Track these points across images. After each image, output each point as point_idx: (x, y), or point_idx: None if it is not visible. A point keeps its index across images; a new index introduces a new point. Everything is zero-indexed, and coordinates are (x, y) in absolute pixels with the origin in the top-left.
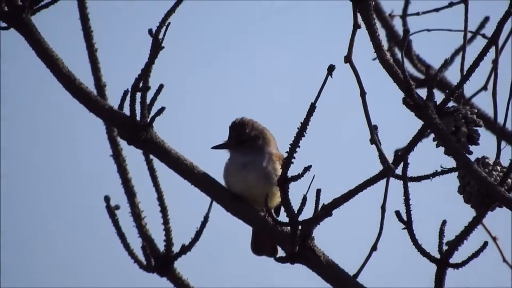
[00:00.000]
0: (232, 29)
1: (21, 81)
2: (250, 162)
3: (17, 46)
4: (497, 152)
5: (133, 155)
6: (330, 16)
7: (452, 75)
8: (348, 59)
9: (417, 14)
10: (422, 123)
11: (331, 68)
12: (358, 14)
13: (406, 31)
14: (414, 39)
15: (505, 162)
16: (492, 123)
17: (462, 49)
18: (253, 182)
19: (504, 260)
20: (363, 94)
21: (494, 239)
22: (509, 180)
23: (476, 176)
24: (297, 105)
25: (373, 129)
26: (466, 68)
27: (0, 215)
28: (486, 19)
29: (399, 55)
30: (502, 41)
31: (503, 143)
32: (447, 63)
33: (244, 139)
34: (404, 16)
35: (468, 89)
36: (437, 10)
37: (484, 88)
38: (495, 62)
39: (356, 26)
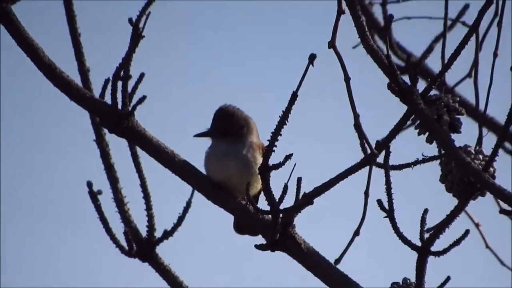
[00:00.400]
0: (212, 16)
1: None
2: (232, 151)
3: None
4: (478, 139)
5: (116, 141)
6: (314, 1)
7: (433, 63)
8: (332, 44)
9: (397, 1)
10: (405, 111)
11: (312, 57)
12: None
13: (390, 17)
14: (394, 27)
15: (486, 149)
16: (473, 111)
17: (442, 36)
18: (233, 170)
19: (487, 246)
20: (347, 79)
21: (477, 225)
22: (491, 169)
23: (461, 162)
24: (279, 92)
25: (357, 115)
26: (446, 55)
27: None
28: (466, 6)
29: (379, 43)
30: (484, 28)
31: (484, 130)
32: (431, 50)
33: (229, 129)
34: (384, 3)
35: (452, 77)
36: None
37: (469, 75)
38: (476, 50)
39: (340, 11)
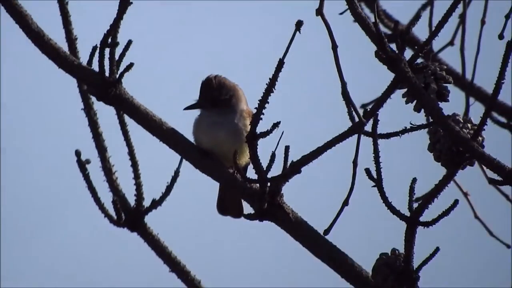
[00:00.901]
0: None
1: None
2: (222, 120)
3: None
4: (465, 108)
5: (104, 110)
6: None
7: (418, 31)
8: (319, 11)
9: None
10: (393, 79)
11: (299, 24)
12: None
13: None
14: None
15: (473, 118)
16: (460, 79)
17: (429, 4)
18: (223, 138)
19: (476, 217)
20: (334, 47)
21: (466, 194)
22: (480, 138)
23: (449, 130)
24: (266, 59)
25: (344, 83)
26: (433, 24)
27: None
28: None
29: (366, 11)
30: None
31: (471, 99)
32: (418, 17)
33: (218, 99)
34: None
35: (435, 44)
36: None
37: (451, 43)
38: (462, 17)
39: None
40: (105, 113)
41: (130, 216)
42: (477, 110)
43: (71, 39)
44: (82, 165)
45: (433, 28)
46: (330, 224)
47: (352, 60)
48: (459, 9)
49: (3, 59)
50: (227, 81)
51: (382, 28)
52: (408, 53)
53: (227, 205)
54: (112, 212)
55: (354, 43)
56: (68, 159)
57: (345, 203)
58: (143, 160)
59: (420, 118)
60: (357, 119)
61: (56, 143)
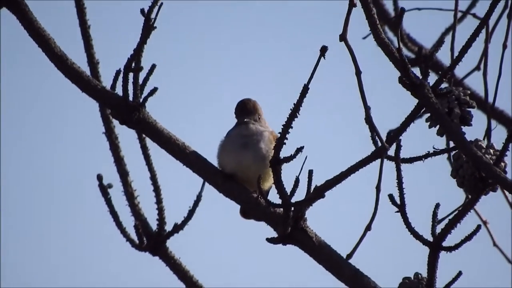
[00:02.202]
0: (224, 7)
1: (12, 59)
2: (251, 142)
3: (8, 25)
4: (486, 132)
5: (126, 133)
6: None
7: (441, 55)
8: (343, 37)
9: None
10: (416, 103)
11: (323, 50)
12: None
13: (402, 10)
14: (404, 18)
15: (495, 142)
16: (483, 103)
17: (452, 28)
18: (249, 162)
19: (495, 244)
20: (358, 73)
21: (485, 223)
22: (502, 164)
23: (471, 155)
24: (290, 85)
25: (368, 108)
26: (455, 47)
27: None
28: None
29: (389, 34)
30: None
31: (493, 123)
32: (441, 43)
33: (248, 120)
34: None
35: (460, 69)
36: None
37: (477, 68)
38: (486, 42)
39: (351, 4)
40: (127, 137)
41: (152, 240)
42: (499, 134)
43: (93, 63)
44: (104, 189)
45: (456, 52)
46: (352, 249)
47: (376, 83)
48: (483, 33)
49: (24, 84)
50: (258, 104)
51: (406, 51)
52: (431, 77)
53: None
54: (134, 236)
55: (377, 66)
56: (90, 183)
57: (368, 228)
58: (165, 184)
59: (444, 142)
60: (380, 144)
61: (78, 167)
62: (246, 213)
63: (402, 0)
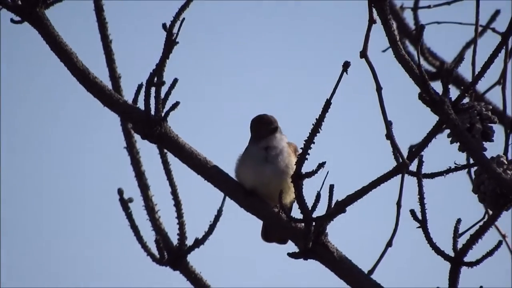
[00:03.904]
0: (246, 23)
1: (34, 74)
2: (270, 156)
3: (30, 39)
4: (505, 146)
5: (147, 148)
6: (345, 11)
7: (462, 69)
8: (363, 54)
9: (428, 7)
10: (437, 119)
11: (346, 65)
12: (374, 9)
13: (421, 27)
14: (424, 32)
15: None
16: (501, 116)
17: (472, 42)
18: (270, 177)
19: None
20: (379, 89)
21: (504, 236)
22: None
23: (491, 172)
24: (312, 100)
25: (389, 124)
26: (476, 61)
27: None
28: (497, 12)
29: (409, 48)
30: None
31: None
32: (461, 59)
33: (266, 135)
34: (415, 8)
35: (480, 83)
36: (448, 3)
37: (498, 83)
38: (505, 58)
39: (371, 21)
40: (148, 151)
41: (173, 254)
42: None
43: (115, 77)
44: (124, 203)
45: (476, 66)
46: (374, 265)
47: (396, 99)
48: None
49: (47, 96)
50: (274, 118)
51: (426, 65)
52: (452, 91)
53: (272, 232)
54: (154, 250)
55: (397, 80)
56: (110, 198)
57: (389, 244)
58: (186, 198)
59: (463, 157)
60: (401, 160)
61: (99, 181)
62: (268, 237)
63: (422, 11)
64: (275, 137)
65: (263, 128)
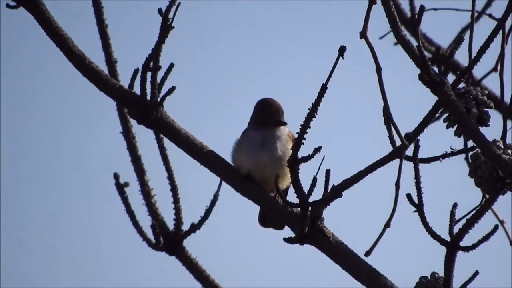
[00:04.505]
0: (242, 6)
1: (30, 59)
2: (268, 142)
3: (26, 25)
4: (503, 132)
5: (143, 133)
6: None
7: (458, 55)
8: (363, 34)
9: None
10: (435, 102)
11: (342, 49)
12: None
13: (422, 7)
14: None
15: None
16: (499, 103)
17: (468, 28)
18: (267, 162)
19: (511, 244)
20: (378, 69)
21: (501, 222)
22: None
23: (490, 154)
24: (308, 84)
25: (388, 105)
26: (473, 48)
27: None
28: None
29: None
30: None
31: (509, 123)
32: (460, 41)
33: (268, 120)
34: None
35: (476, 69)
36: None
37: (494, 69)
38: (502, 43)
39: (371, 2)
40: (144, 136)
41: (169, 240)
42: None
43: (111, 61)
44: (120, 188)
45: (473, 52)
46: (371, 246)
47: (392, 85)
48: (500, 33)
49: (43, 82)
50: (279, 103)
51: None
52: (448, 77)
53: (269, 218)
54: (150, 235)
55: (393, 69)
56: (106, 182)
57: (387, 225)
58: (182, 183)
59: (460, 142)
60: (398, 143)
61: (95, 166)
62: (265, 222)
63: (417, 0)
64: (279, 128)
65: (273, 117)
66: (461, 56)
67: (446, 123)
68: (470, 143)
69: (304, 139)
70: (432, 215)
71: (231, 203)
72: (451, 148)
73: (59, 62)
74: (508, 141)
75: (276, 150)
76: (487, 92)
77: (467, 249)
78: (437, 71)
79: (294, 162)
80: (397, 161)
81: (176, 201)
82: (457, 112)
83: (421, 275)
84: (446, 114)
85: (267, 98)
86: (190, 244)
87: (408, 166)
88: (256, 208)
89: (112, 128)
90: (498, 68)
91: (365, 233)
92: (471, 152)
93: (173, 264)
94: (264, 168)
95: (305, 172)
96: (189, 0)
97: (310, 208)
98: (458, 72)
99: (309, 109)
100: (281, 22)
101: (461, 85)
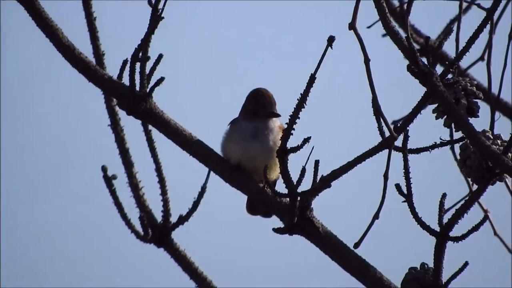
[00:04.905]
0: None
1: (19, 50)
2: (259, 133)
3: (17, 15)
4: (491, 123)
5: (131, 125)
6: None
7: (445, 46)
8: (352, 26)
9: None
10: (424, 93)
11: (331, 40)
12: None
13: None
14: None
15: (499, 132)
16: (486, 94)
17: (457, 19)
18: (257, 152)
19: (495, 234)
20: (367, 61)
21: (486, 212)
22: (510, 154)
23: (480, 145)
24: (298, 74)
25: (376, 96)
26: (461, 38)
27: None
28: None
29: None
30: (498, 13)
31: (497, 114)
32: (449, 31)
33: (259, 110)
34: None
35: (463, 60)
36: None
37: (481, 58)
38: (490, 33)
39: None
40: (132, 128)
41: (157, 232)
42: (503, 125)
43: (99, 54)
44: (108, 180)
45: (460, 43)
46: (360, 238)
47: (379, 77)
48: (488, 24)
49: (32, 73)
50: (271, 93)
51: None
52: (436, 68)
53: (256, 206)
54: (139, 228)
55: (381, 61)
56: (94, 175)
57: (376, 216)
58: (170, 175)
59: (448, 133)
60: (387, 134)
61: (83, 158)
62: (253, 210)
63: None
64: (272, 119)
65: (266, 108)
66: (448, 47)
67: (435, 114)
68: (459, 134)
69: (293, 129)
70: (422, 205)
71: (219, 194)
72: (440, 139)
73: (47, 54)
74: (495, 131)
75: (267, 141)
76: (476, 82)
77: (456, 239)
78: (426, 62)
79: (283, 153)
80: (386, 151)
81: (164, 193)
82: (446, 102)
83: (410, 266)
84: (435, 105)
85: (260, 88)
86: (179, 236)
87: (397, 156)
88: (245, 198)
89: (100, 121)
90: (485, 57)
91: (355, 224)
92: (460, 143)
93: (161, 257)
94: (254, 158)
95: (294, 163)
96: None
97: (299, 198)
98: (446, 63)
99: (298, 99)
100: (270, 13)
101: (449, 76)
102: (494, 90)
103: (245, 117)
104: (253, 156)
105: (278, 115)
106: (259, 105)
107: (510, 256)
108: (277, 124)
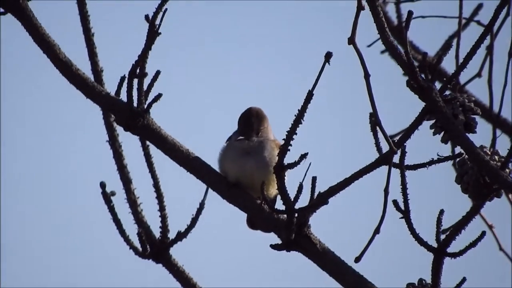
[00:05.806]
0: (230, 14)
1: (17, 66)
2: (254, 149)
3: (14, 31)
4: (492, 140)
5: (129, 141)
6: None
7: (445, 62)
8: (351, 40)
9: (411, 0)
10: (422, 109)
11: (328, 56)
12: None
13: (410, 12)
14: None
15: (499, 150)
16: (487, 111)
17: (456, 35)
18: (253, 169)
19: (501, 249)
20: (367, 76)
21: (490, 227)
22: (508, 170)
23: (478, 160)
24: (297, 90)
25: (376, 112)
26: (460, 54)
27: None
28: (480, 5)
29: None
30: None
31: (498, 131)
32: (449, 46)
33: (258, 130)
34: (398, 2)
35: (461, 76)
36: None
37: (478, 75)
38: (490, 49)
39: (359, 8)
40: (130, 144)
41: (155, 248)
42: (503, 143)
43: (97, 70)
44: (107, 197)
45: (460, 59)
46: (361, 252)
47: (377, 93)
48: (487, 40)
49: (30, 90)
50: (263, 112)
51: None
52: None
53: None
54: (137, 244)
55: (379, 78)
56: (93, 191)
57: (377, 231)
58: (168, 191)
59: (446, 149)
60: (384, 150)
61: (81, 175)
62: (253, 224)
63: (406, 5)
64: (260, 136)
65: (249, 129)
66: (446, 63)
67: (432, 130)
68: (457, 150)
69: (291, 145)
70: (419, 221)
71: (217, 210)
72: (438, 155)
73: (45, 70)
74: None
75: (261, 157)
76: (473, 99)
77: (454, 255)
78: (428, 76)
79: (280, 169)
80: (383, 167)
81: (162, 209)
82: (445, 118)
83: (408, 281)
84: (433, 121)
85: (249, 108)
86: (177, 252)
87: (394, 172)
88: (243, 215)
89: (99, 136)
90: (483, 74)
91: (351, 240)
92: (458, 159)
93: (160, 272)
94: (250, 175)
95: (292, 179)
96: (177, 6)
97: (296, 215)
98: (444, 79)
99: (295, 115)
100: (268, 28)
101: (447, 92)
102: (496, 107)
103: (237, 135)
104: (249, 173)
105: (248, 138)
106: (244, 125)
107: None
108: (272, 140)
